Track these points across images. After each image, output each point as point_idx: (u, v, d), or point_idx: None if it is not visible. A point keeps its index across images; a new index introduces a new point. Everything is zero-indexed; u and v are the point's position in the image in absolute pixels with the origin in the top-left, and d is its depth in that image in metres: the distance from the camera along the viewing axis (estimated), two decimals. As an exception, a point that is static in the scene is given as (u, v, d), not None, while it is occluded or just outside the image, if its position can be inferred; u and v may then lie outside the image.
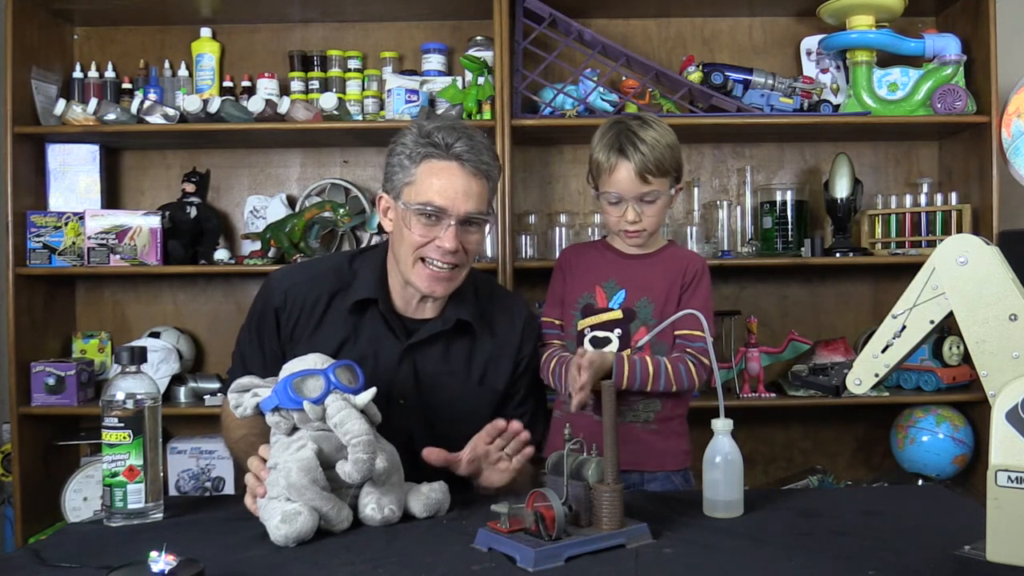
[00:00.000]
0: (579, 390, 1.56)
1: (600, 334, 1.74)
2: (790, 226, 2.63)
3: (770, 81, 2.59)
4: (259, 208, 2.74)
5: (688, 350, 1.68)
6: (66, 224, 2.56)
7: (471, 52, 2.61)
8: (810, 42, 2.71)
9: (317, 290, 1.62)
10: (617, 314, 1.73)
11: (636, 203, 1.68)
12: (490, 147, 1.57)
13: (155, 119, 2.53)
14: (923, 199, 2.66)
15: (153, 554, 1.01)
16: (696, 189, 2.72)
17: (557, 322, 1.81)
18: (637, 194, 1.68)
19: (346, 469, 1.26)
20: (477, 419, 1.57)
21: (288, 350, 1.58)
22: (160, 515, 1.38)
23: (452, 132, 1.53)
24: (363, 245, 2.66)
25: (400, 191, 1.54)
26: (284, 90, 2.73)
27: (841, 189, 2.58)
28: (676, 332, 1.72)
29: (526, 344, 1.71)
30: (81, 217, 2.56)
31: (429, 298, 1.61)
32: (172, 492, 2.57)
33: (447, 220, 1.51)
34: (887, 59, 2.62)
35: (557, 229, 2.66)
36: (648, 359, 1.66)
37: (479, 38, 2.66)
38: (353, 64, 2.73)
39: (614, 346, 1.72)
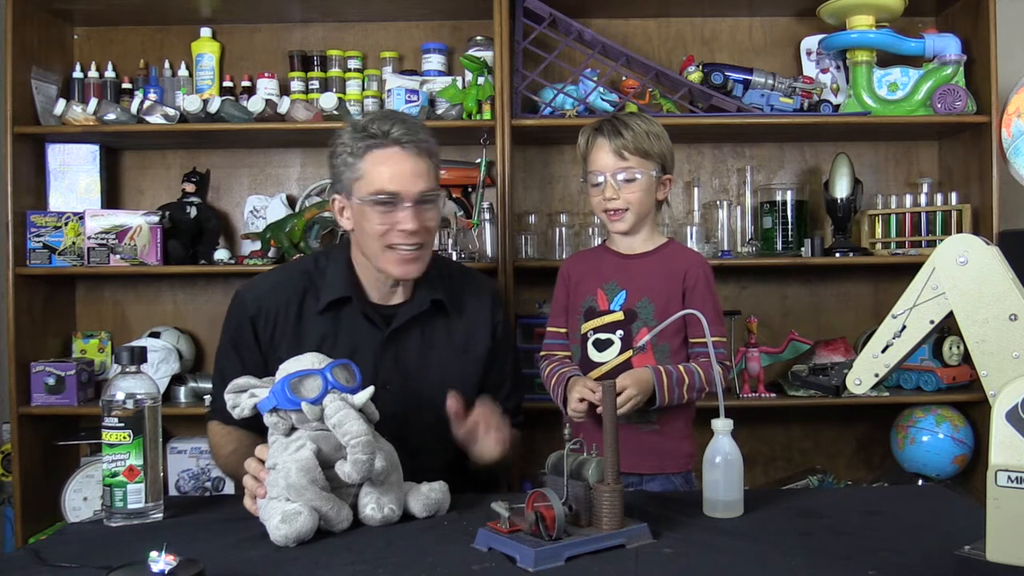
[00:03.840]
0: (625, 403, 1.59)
1: (602, 336, 1.74)
2: (790, 226, 2.63)
3: (770, 81, 2.58)
4: (259, 208, 2.74)
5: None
6: (66, 224, 2.56)
7: (471, 52, 2.61)
8: (810, 42, 2.71)
9: (287, 293, 1.66)
10: (618, 316, 1.73)
11: (615, 181, 1.71)
12: (424, 126, 1.62)
13: (155, 119, 2.52)
14: (923, 199, 2.66)
15: (153, 554, 1.01)
16: (696, 189, 2.72)
17: (562, 331, 1.83)
18: (614, 170, 1.71)
19: (345, 470, 1.26)
20: (464, 391, 1.64)
21: (270, 356, 1.62)
22: (160, 515, 1.39)
23: (385, 120, 1.58)
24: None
25: (351, 188, 1.60)
26: (284, 90, 2.73)
27: (841, 189, 2.58)
28: (693, 340, 1.72)
29: (496, 312, 1.78)
30: (81, 217, 2.56)
31: (400, 283, 1.66)
32: (172, 492, 2.56)
33: (403, 203, 1.56)
34: (887, 59, 2.62)
35: (557, 229, 2.66)
36: (680, 367, 1.67)
37: (479, 38, 2.66)
38: (353, 64, 2.73)
39: (616, 348, 1.72)
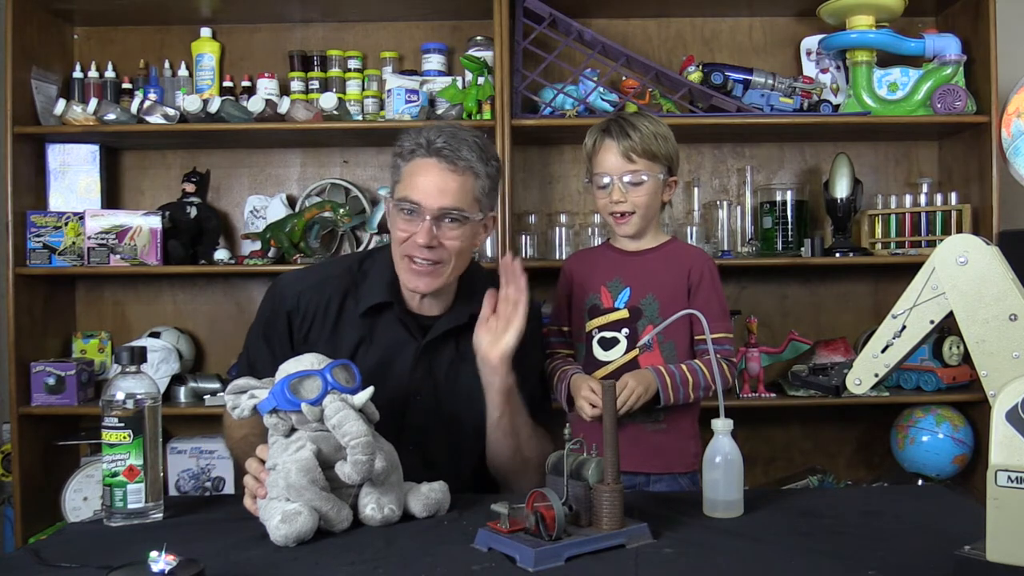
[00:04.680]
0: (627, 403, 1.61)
1: (608, 335, 1.74)
2: (790, 226, 2.63)
3: (770, 81, 2.58)
4: (259, 208, 2.74)
5: (717, 353, 1.67)
6: (66, 224, 2.56)
7: (471, 52, 2.61)
8: (810, 42, 2.71)
9: (329, 292, 1.63)
10: (623, 313, 1.73)
11: (621, 184, 1.70)
12: (478, 145, 1.57)
13: (155, 119, 2.53)
14: (923, 199, 2.66)
15: (153, 554, 1.01)
16: (696, 189, 2.72)
17: (564, 329, 1.82)
18: (621, 172, 1.70)
19: (345, 470, 1.26)
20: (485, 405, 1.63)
21: (303, 352, 1.58)
22: (160, 515, 1.39)
23: (440, 131, 1.55)
24: (363, 244, 2.67)
25: (394, 191, 1.59)
26: (284, 90, 2.73)
27: (841, 189, 2.58)
28: (698, 337, 1.72)
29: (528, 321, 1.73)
30: (81, 217, 2.56)
31: (426, 296, 1.62)
32: (172, 492, 2.57)
33: (422, 215, 1.53)
34: (887, 59, 2.62)
35: (557, 229, 2.66)
36: (683, 366, 1.67)
37: (479, 38, 2.66)
38: (353, 64, 2.73)
39: (622, 346, 1.72)
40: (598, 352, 1.74)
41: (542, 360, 1.81)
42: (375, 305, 1.61)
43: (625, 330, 1.72)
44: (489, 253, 2.59)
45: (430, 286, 1.58)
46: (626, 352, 1.72)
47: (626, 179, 1.70)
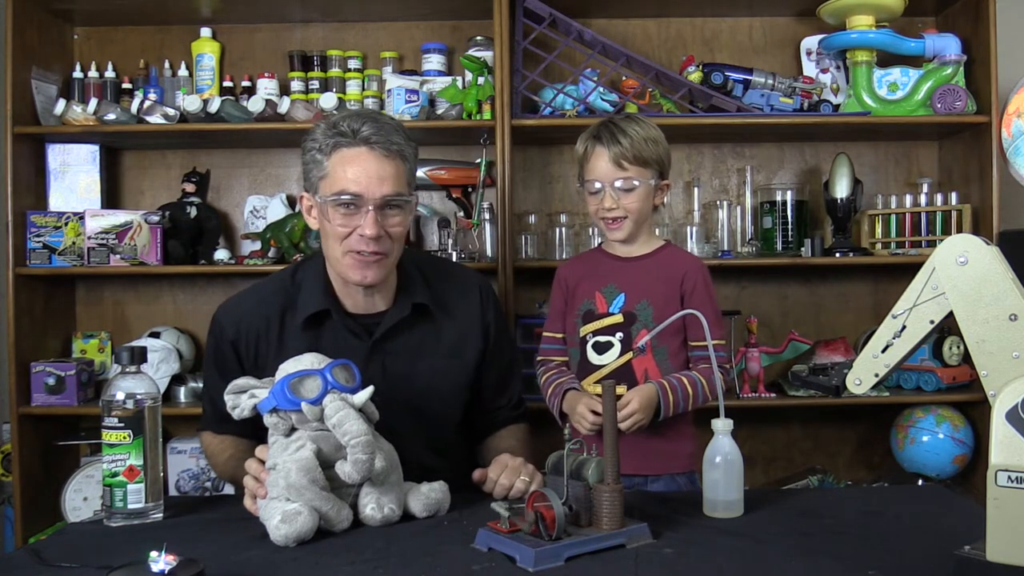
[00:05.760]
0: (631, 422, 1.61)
1: (602, 339, 1.74)
2: (790, 226, 2.63)
3: (770, 81, 2.58)
4: (259, 208, 2.74)
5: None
6: (66, 224, 2.56)
7: (471, 52, 2.61)
8: (810, 42, 2.71)
9: (267, 312, 1.61)
10: (618, 318, 1.73)
11: (613, 190, 1.70)
12: (400, 128, 1.55)
13: (155, 119, 2.53)
14: (923, 199, 2.66)
15: (153, 554, 1.01)
16: (696, 189, 2.72)
17: (559, 336, 1.82)
18: (612, 179, 1.70)
19: (345, 469, 1.26)
20: (456, 396, 1.65)
21: (256, 376, 1.56)
22: (160, 515, 1.39)
23: (358, 118, 1.52)
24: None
25: (317, 186, 1.54)
26: (284, 90, 2.73)
27: (841, 189, 2.58)
28: (693, 343, 1.72)
29: (488, 311, 1.73)
30: (81, 217, 2.56)
31: (374, 291, 1.60)
32: (172, 492, 2.56)
33: (365, 207, 1.50)
34: (887, 59, 2.62)
35: (557, 229, 2.66)
36: (684, 379, 1.67)
37: (479, 38, 2.66)
38: (353, 64, 2.73)
39: (616, 350, 1.72)
40: (592, 356, 1.75)
41: (513, 353, 1.82)
42: (315, 315, 1.59)
43: (619, 334, 1.73)
44: (490, 253, 2.59)
45: (378, 276, 1.55)
46: (620, 355, 1.72)
47: (617, 185, 1.70)
